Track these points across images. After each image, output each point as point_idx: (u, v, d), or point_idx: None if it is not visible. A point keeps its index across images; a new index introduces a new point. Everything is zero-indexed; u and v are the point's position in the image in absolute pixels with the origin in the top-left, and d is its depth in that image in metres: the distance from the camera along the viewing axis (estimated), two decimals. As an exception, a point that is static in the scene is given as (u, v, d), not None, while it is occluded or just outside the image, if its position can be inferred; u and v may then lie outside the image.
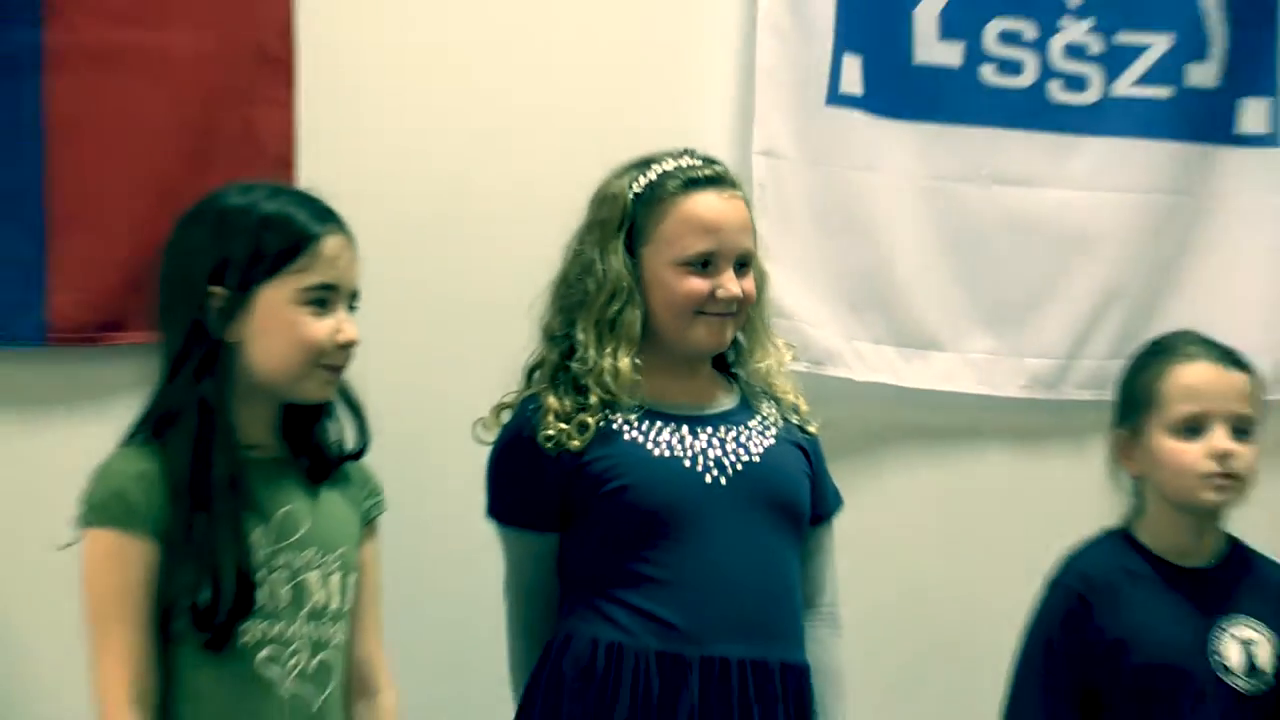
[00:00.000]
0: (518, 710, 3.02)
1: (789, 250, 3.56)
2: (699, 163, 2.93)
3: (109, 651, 2.61)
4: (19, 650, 3.41)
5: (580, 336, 2.90)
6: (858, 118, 3.64)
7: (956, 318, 3.76)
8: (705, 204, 2.88)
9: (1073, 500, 3.24)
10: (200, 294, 2.65)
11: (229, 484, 2.63)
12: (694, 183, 2.88)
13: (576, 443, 2.85)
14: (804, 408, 3.05)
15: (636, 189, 2.90)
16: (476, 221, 3.48)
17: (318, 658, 2.73)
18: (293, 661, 2.72)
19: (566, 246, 2.97)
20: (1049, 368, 3.80)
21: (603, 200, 2.94)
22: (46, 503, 2.86)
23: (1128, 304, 3.81)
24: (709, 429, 2.92)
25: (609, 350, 2.89)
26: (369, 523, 2.85)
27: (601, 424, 2.89)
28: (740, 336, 3.00)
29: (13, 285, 3.26)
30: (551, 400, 2.88)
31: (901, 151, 3.69)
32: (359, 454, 2.79)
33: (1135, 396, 3.03)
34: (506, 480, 2.98)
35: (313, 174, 3.08)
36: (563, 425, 2.87)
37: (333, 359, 2.68)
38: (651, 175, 2.90)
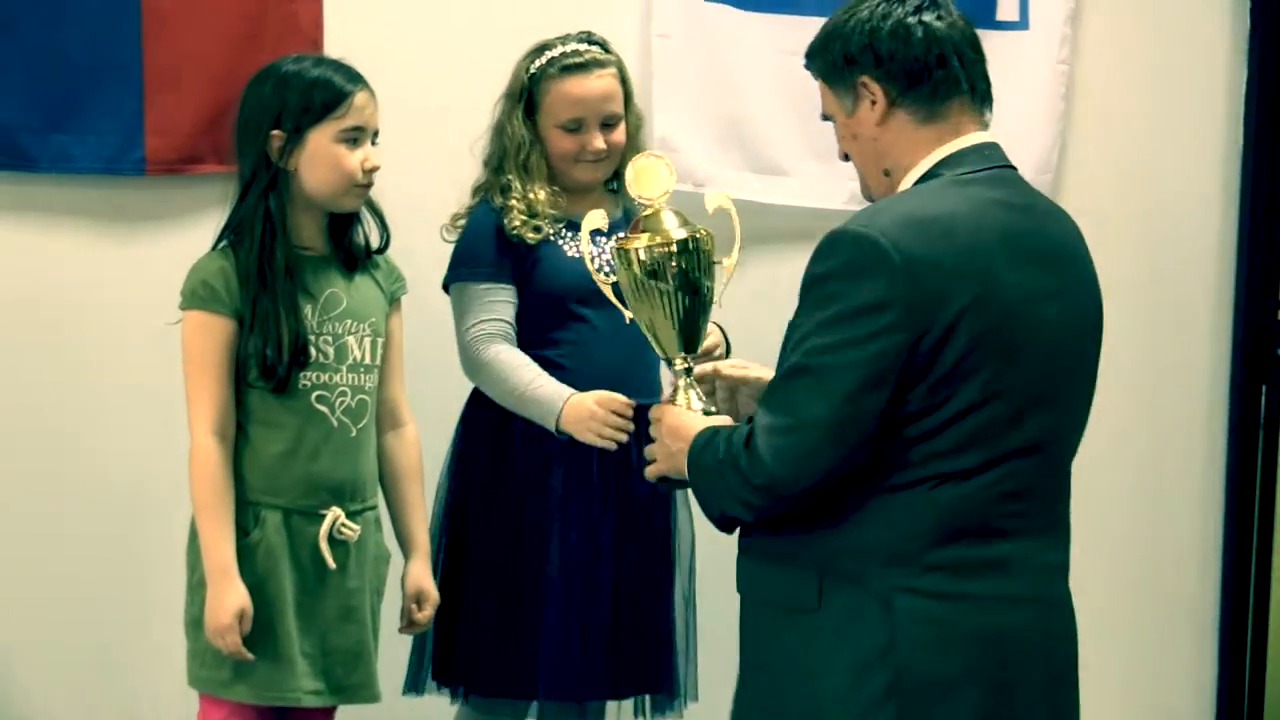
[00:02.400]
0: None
1: (680, 105, 3.95)
2: (581, 48, 3.30)
3: (200, 397, 3.00)
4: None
5: (509, 177, 3.29)
6: (727, 10, 4.00)
7: (796, 151, 4.07)
8: (575, 84, 3.28)
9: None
10: (265, 136, 3.02)
11: (286, 273, 3.00)
12: (568, 69, 3.28)
13: (531, 237, 3.28)
14: None
15: (532, 70, 3.30)
16: (444, 76, 3.78)
17: (356, 398, 3.11)
18: (338, 400, 3.09)
19: (495, 105, 3.36)
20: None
21: (513, 77, 3.34)
22: (147, 294, 3.37)
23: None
24: (602, 238, 3.27)
25: (530, 186, 3.29)
26: (394, 301, 3.21)
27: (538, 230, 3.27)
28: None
29: (120, 131, 3.59)
30: (514, 202, 3.27)
31: (757, 35, 4.01)
32: (383, 248, 3.20)
33: None
34: (482, 243, 3.27)
35: (334, 49, 3.31)
36: (522, 218, 3.27)
37: (363, 180, 3.07)
38: (541, 61, 3.30)
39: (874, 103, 2.47)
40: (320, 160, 3.03)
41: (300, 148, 3.01)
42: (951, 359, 2.30)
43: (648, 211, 2.76)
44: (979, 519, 2.37)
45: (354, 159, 3.02)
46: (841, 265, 2.32)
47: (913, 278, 2.28)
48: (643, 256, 2.71)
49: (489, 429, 3.33)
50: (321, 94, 3.01)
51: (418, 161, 3.56)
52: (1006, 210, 2.41)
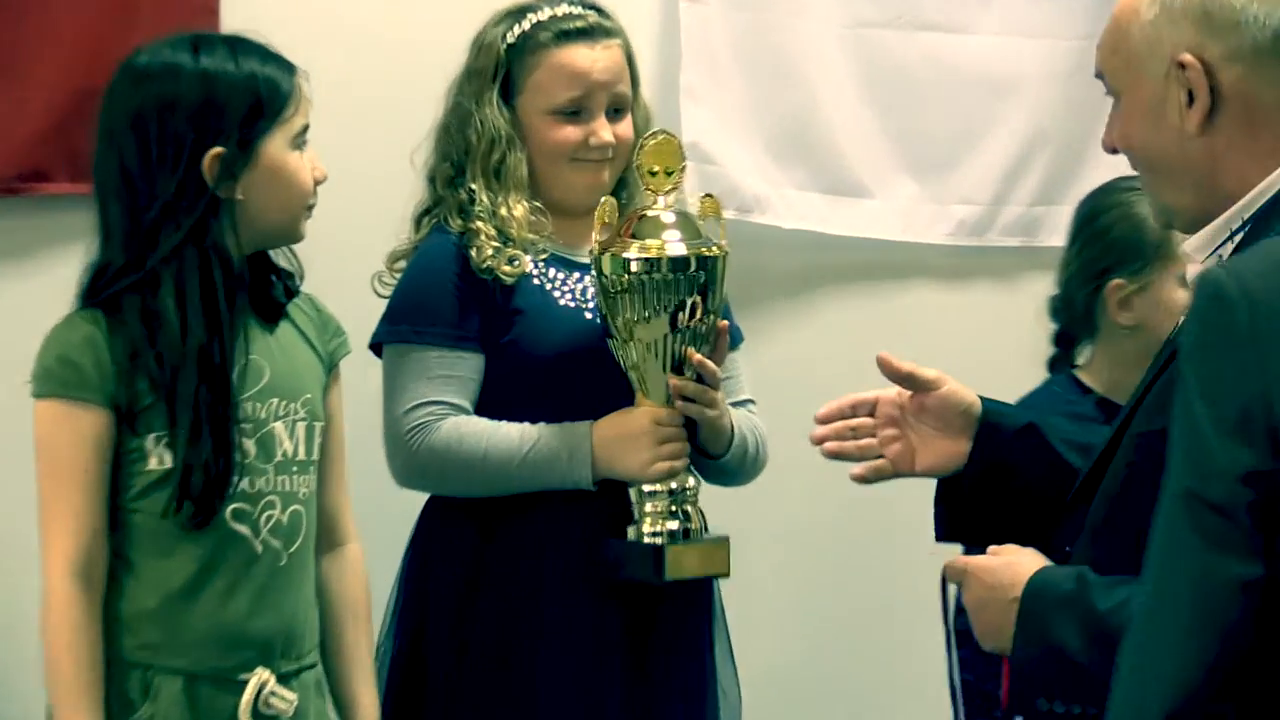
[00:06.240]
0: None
1: (715, 96, 3.57)
2: (574, 11, 2.95)
3: (56, 524, 2.60)
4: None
5: (473, 186, 2.91)
6: (783, -36, 3.74)
7: (881, 164, 3.75)
8: (574, 54, 2.90)
9: (998, 342, 3.33)
10: (185, 155, 2.59)
11: (218, 341, 2.61)
12: (566, 35, 2.90)
13: (506, 271, 2.86)
14: None
15: (510, 39, 2.91)
16: (376, 67, 3.43)
17: (288, 510, 2.72)
18: (264, 515, 2.70)
19: (445, 95, 2.98)
20: (975, 214, 3.81)
21: (479, 49, 2.95)
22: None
23: (1053, 149, 3.82)
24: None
25: (501, 199, 2.90)
26: (333, 367, 2.81)
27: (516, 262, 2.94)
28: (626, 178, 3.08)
29: (-65, 139, 3.33)
30: (479, 224, 2.86)
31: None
32: (295, 290, 2.75)
33: (1140, 245, 2.97)
34: (436, 288, 2.89)
35: (234, 21, 3.03)
36: (494, 245, 2.85)
37: (314, 197, 2.73)
38: (525, 25, 2.92)
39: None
40: (275, 178, 2.66)
41: (250, 167, 2.63)
42: None
43: (647, 209, 2.72)
44: None
45: (308, 170, 2.70)
46: None
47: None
48: (633, 269, 2.67)
49: (454, 550, 2.91)
50: (268, 92, 2.66)
51: (343, 179, 2.98)
52: None
